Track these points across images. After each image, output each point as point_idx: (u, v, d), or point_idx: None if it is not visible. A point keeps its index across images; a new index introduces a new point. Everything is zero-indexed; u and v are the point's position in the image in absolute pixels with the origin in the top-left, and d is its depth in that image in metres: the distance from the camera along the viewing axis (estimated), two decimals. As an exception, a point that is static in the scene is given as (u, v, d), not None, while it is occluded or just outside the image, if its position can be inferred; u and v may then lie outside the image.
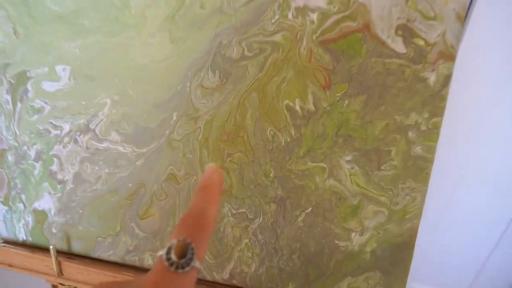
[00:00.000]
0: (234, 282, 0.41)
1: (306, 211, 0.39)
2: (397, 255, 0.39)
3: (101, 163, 0.41)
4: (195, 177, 0.40)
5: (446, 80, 0.35)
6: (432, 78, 0.36)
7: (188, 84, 0.39)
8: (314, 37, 0.35)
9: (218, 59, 0.38)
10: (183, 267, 0.20)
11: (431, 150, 0.37)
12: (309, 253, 0.40)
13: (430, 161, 0.37)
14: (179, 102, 0.39)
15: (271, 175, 0.39)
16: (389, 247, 0.39)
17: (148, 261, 0.42)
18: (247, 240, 0.40)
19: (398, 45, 0.35)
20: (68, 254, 0.44)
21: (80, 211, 0.42)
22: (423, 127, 0.37)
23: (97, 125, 0.40)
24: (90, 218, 0.42)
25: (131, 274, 0.41)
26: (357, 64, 0.36)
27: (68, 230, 0.43)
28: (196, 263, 0.20)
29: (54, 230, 0.43)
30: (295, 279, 0.40)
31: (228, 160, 0.39)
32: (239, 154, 0.39)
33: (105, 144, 0.41)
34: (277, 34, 0.36)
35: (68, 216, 0.43)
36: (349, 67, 0.36)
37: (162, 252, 0.20)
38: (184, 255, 0.20)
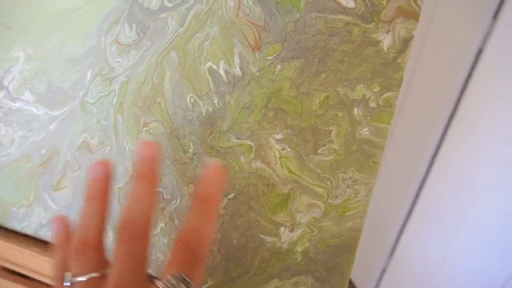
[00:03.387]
0: (149, 270, 0.36)
1: (229, 196, 0.33)
2: (333, 259, 0.32)
3: (14, 124, 0.37)
4: (109, 147, 0.35)
5: (404, 44, 0.28)
6: (386, 41, 0.28)
7: (103, 38, 0.33)
8: (242, -15, 0.29)
9: (135, 10, 0.32)
10: None
11: (382, 133, 0.29)
12: (231, 246, 0.34)
13: (380, 147, 0.30)
14: (94, 60, 0.34)
15: (190, 150, 0.33)
16: (325, 248, 0.32)
17: (61, 238, 0.38)
18: (163, 225, 0.35)
19: (342, -4, 0.28)
20: (-18, 222, 0.40)
21: (-5, 176, 0.39)
22: (372, 104, 0.29)
23: (10, 82, 0.36)
24: (5, 184, 0.39)
25: (37, 251, 0.37)
26: (293, 20, 0.29)
27: (-17, 196, 0.39)
28: None
29: (-30, 195, 0.40)
30: (214, 274, 0.34)
31: (144, 130, 0.34)
32: (155, 124, 0.33)
33: (18, 104, 0.37)
34: (201, -20, 0.30)
35: (-17, 180, 0.39)
36: (284, 23, 0.29)
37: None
38: None
